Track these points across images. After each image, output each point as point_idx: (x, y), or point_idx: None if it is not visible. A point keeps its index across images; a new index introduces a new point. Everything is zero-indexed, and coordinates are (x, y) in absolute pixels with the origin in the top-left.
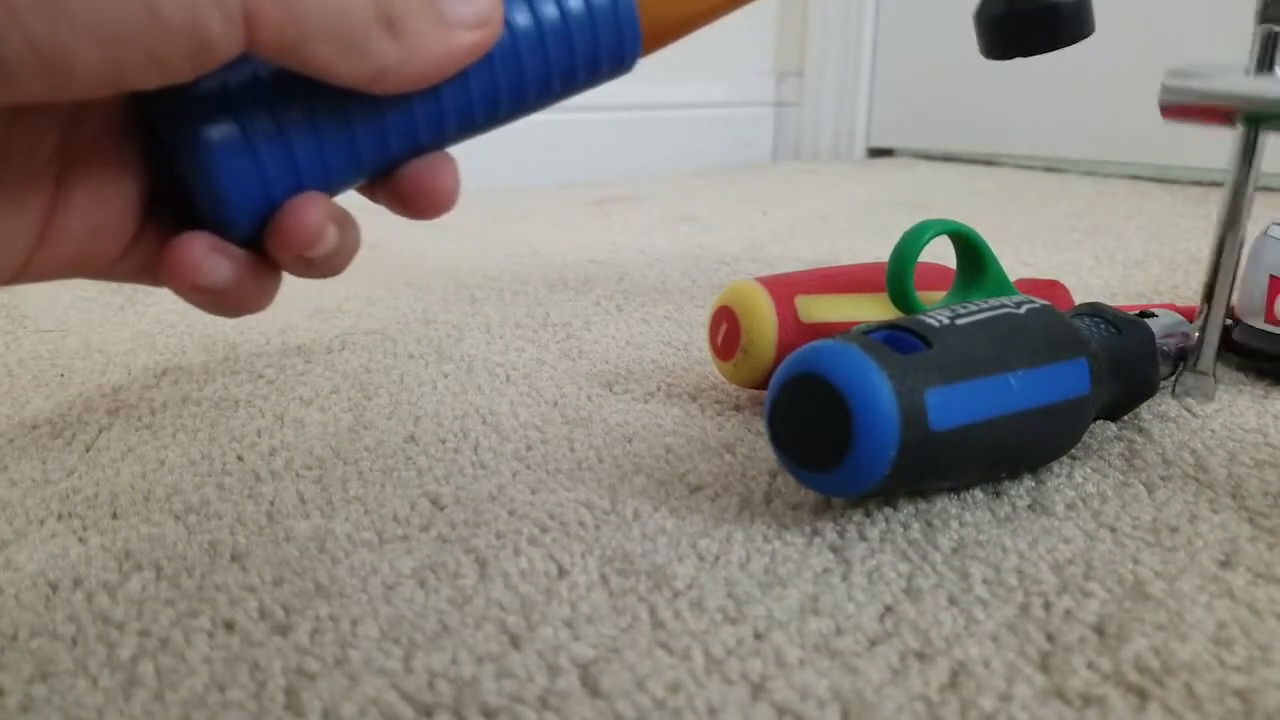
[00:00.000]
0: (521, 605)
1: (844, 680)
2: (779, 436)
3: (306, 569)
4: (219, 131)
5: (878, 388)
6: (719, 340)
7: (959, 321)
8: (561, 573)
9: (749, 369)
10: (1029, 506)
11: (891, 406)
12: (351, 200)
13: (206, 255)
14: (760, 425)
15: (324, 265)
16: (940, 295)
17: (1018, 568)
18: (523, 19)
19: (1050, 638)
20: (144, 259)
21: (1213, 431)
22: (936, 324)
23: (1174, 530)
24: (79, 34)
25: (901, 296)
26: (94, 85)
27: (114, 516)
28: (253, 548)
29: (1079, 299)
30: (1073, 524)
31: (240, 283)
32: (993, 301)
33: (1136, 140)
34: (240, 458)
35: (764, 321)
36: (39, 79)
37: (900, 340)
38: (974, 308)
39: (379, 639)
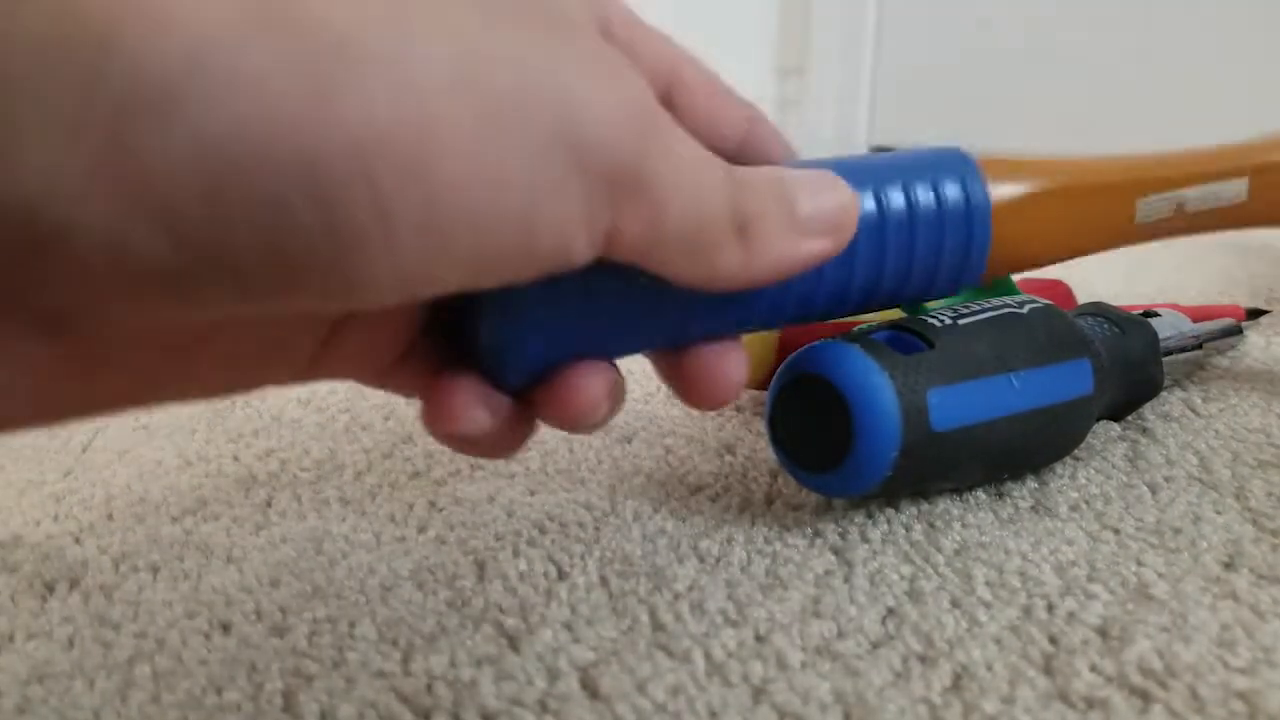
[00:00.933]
0: (520, 607)
1: (846, 683)
2: (780, 437)
3: (303, 570)
4: (522, 296)
5: (879, 388)
6: None
7: (961, 321)
8: (561, 574)
9: (750, 368)
10: (1032, 508)
11: (893, 407)
12: None
13: (469, 405)
14: (760, 425)
15: (586, 431)
16: None
17: (1020, 569)
18: (869, 216)
19: (1053, 640)
20: (411, 379)
21: (1216, 432)
22: (938, 324)
23: (1177, 532)
24: (453, 261)
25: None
26: (439, 294)
27: (110, 518)
28: (249, 549)
29: (1082, 299)
30: (1076, 525)
31: (496, 433)
32: (995, 301)
33: (1137, 140)
34: (236, 458)
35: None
36: (390, 297)
37: (902, 340)
38: (976, 308)
39: (376, 641)
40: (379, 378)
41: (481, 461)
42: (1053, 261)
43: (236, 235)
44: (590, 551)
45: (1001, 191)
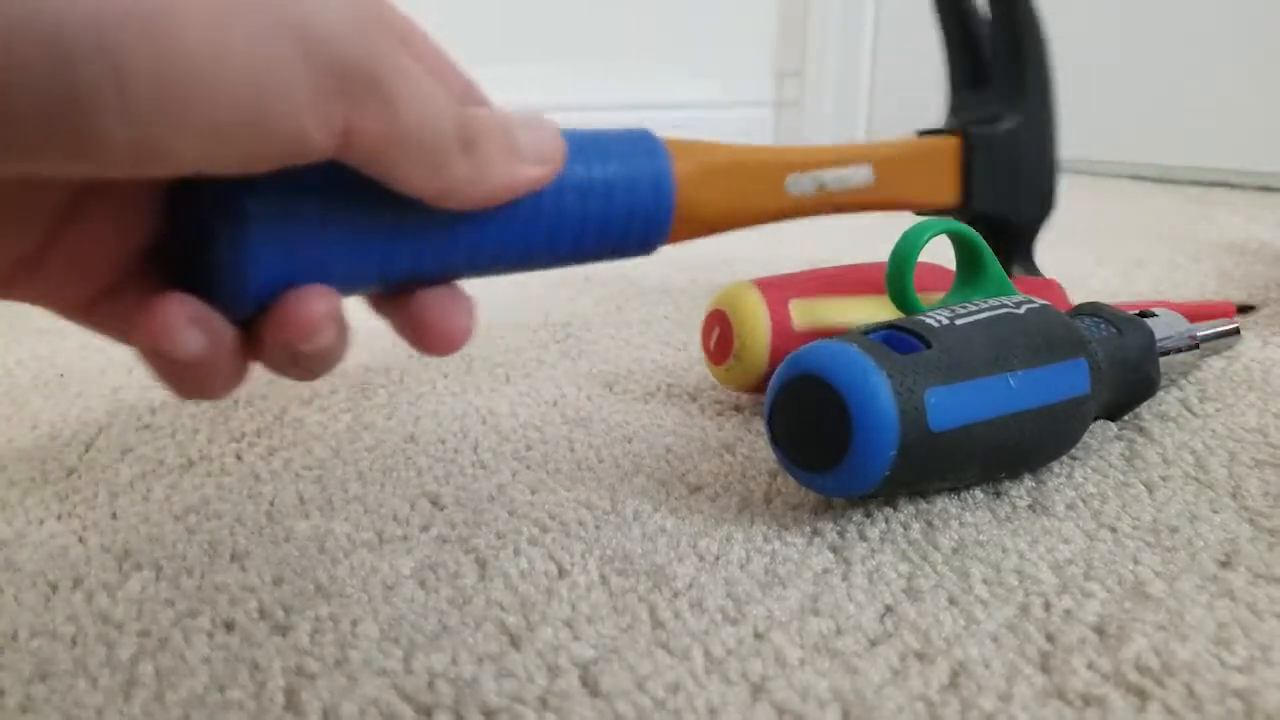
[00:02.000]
0: (521, 605)
1: (844, 680)
2: (778, 437)
3: (306, 569)
4: (259, 205)
5: (877, 388)
6: (712, 344)
7: (958, 321)
8: (561, 573)
9: (741, 374)
10: (1029, 506)
11: (890, 407)
12: None
13: (185, 324)
14: (760, 425)
15: (308, 362)
16: (939, 295)
17: (1018, 568)
18: (576, 174)
19: (1050, 638)
20: (119, 313)
21: (1213, 431)
22: (936, 324)
23: (1174, 530)
24: (185, 130)
25: (901, 296)
26: (177, 169)
27: (113, 517)
28: (252, 548)
29: (1079, 299)
30: (1073, 524)
31: (208, 363)
32: (992, 301)
33: (1136, 140)
34: (239, 457)
35: (757, 327)
36: (128, 163)
37: (899, 340)
38: (973, 308)
39: (379, 639)
40: (87, 306)
41: (483, 460)
42: (727, 228)
43: None
44: (590, 550)
45: (682, 166)
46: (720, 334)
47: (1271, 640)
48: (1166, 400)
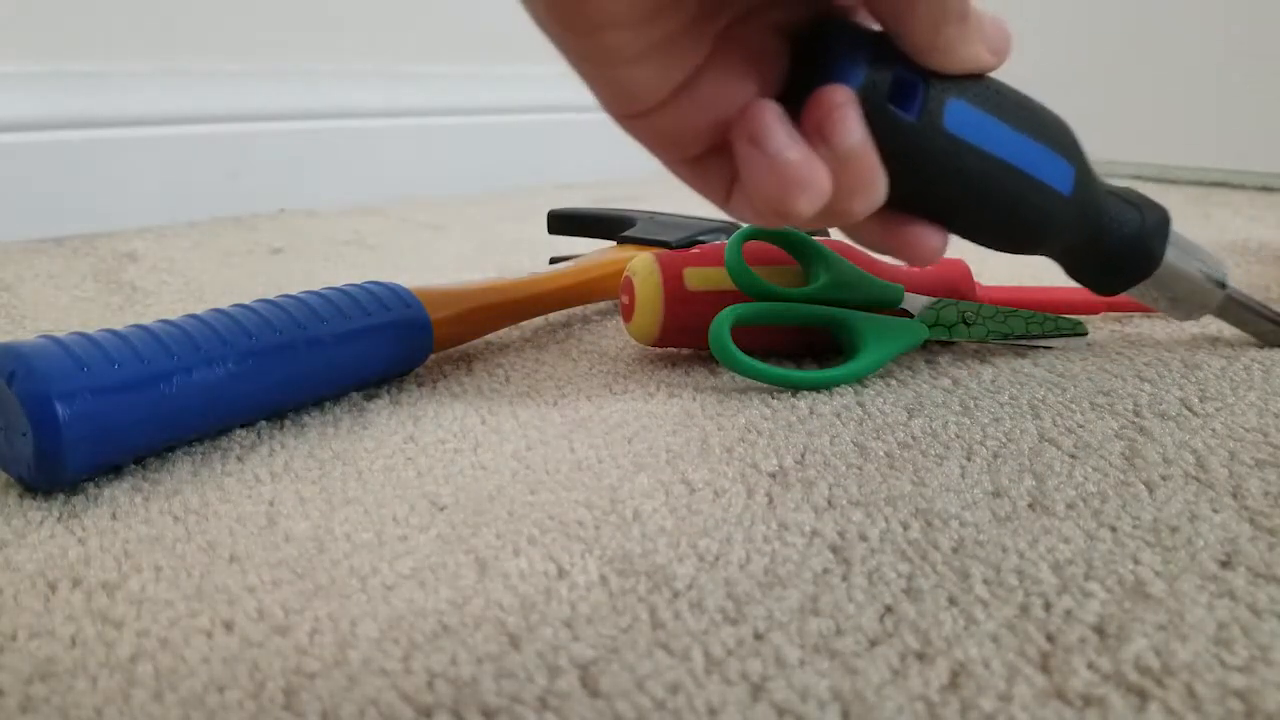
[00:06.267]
0: (521, 605)
1: (844, 681)
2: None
3: (306, 569)
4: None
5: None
6: (624, 305)
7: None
8: (561, 573)
9: (643, 328)
10: (1029, 505)
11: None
12: (345, 200)
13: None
14: (760, 425)
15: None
16: (783, 268)
17: (1018, 568)
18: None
19: (1050, 638)
20: (727, 172)
21: (1213, 431)
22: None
23: (1174, 530)
24: None
25: (742, 275)
26: None
27: (113, 517)
28: (252, 548)
29: (1079, 299)
30: (1073, 523)
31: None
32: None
33: (1136, 140)
34: (239, 459)
35: (653, 290)
36: None
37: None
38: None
39: (378, 639)
40: (702, 158)
41: (483, 460)
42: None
43: None
44: (590, 550)
45: (434, 310)
46: (628, 297)
47: (1271, 640)
48: (1166, 399)
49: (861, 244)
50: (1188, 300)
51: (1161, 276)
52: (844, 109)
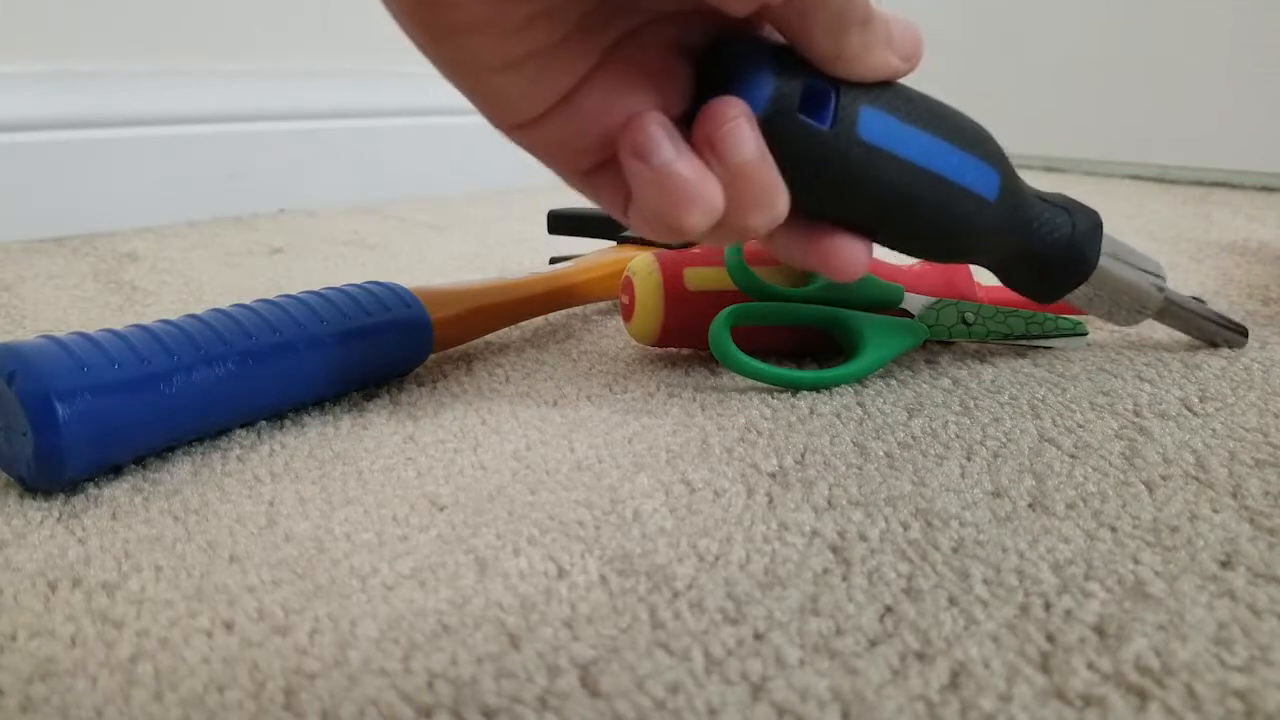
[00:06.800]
0: (521, 605)
1: (844, 681)
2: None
3: (306, 570)
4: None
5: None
6: (624, 304)
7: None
8: (561, 573)
9: (643, 328)
10: (1029, 505)
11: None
12: (345, 200)
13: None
14: (760, 425)
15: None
16: (783, 268)
17: (1018, 568)
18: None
19: (1050, 638)
20: (619, 184)
21: (1213, 431)
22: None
23: (1174, 530)
24: None
25: (741, 275)
26: None
27: (113, 517)
28: (252, 548)
29: None
30: (1073, 523)
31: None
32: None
33: (1136, 140)
34: (239, 459)
35: (653, 290)
36: None
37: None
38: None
39: (378, 639)
40: (594, 169)
41: (483, 460)
42: (473, 339)
43: None
44: (590, 550)
45: (434, 310)
46: (628, 297)
47: (1272, 640)
48: (1166, 399)
49: (781, 258)
50: (1128, 304)
51: (1098, 281)
52: (735, 122)
